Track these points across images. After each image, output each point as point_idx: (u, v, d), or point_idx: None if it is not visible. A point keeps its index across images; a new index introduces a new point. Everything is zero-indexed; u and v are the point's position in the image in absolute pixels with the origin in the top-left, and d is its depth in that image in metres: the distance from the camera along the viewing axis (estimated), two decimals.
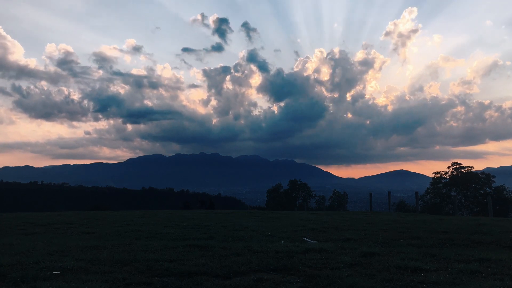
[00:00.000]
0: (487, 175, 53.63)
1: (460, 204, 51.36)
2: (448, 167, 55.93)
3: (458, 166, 55.38)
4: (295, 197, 70.82)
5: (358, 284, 5.44)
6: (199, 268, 6.43)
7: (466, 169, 54.65)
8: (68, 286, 5.27)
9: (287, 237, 11.28)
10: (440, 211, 47.51)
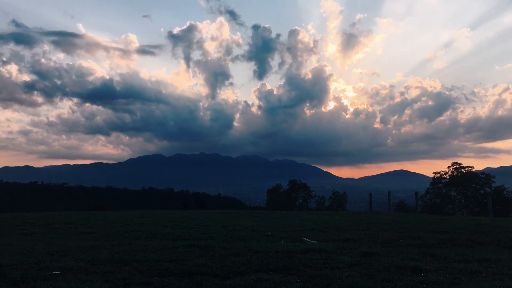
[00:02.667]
0: (487, 175, 53.61)
1: (460, 204, 51.37)
2: (448, 167, 55.93)
3: (458, 166, 55.38)
4: (295, 197, 70.79)
5: (358, 284, 5.43)
6: (199, 268, 6.43)
7: (466, 169, 54.65)
8: (68, 286, 5.27)
9: (287, 237, 11.28)
10: (440, 211, 47.49)
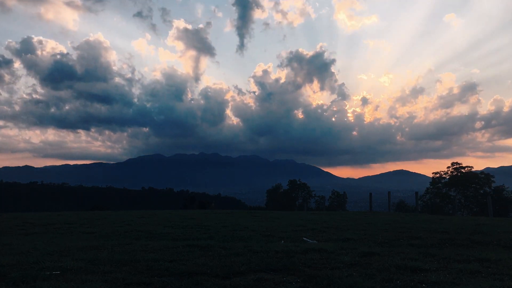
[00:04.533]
0: (486, 175, 53.61)
1: (460, 204, 51.38)
2: (448, 167, 55.92)
3: (457, 166, 55.37)
4: (295, 197, 70.80)
5: (358, 284, 5.43)
6: (199, 268, 6.43)
7: (466, 169, 54.64)
8: (68, 286, 5.27)
9: (287, 237, 11.28)
10: (440, 211, 47.50)
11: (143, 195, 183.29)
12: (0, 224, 15.53)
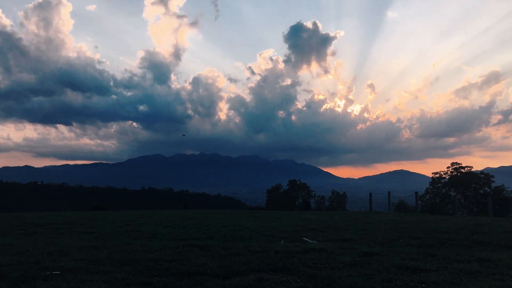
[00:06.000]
0: (486, 175, 53.60)
1: (460, 204, 51.38)
2: (448, 167, 55.89)
3: (457, 166, 55.36)
4: (294, 197, 70.78)
5: (358, 284, 5.44)
6: (199, 268, 6.43)
7: (466, 169, 54.63)
8: (68, 286, 5.27)
9: (287, 237, 11.28)
10: (440, 211, 47.50)
11: (143, 195, 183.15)
12: (0, 224, 15.53)
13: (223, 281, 5.71)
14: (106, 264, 6.71)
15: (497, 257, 7.31)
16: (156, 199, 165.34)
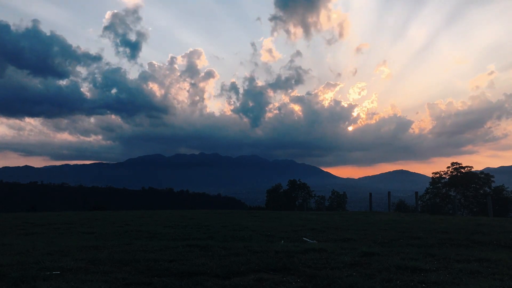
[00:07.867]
0: (486, 175, 53.61)
1: (460, 204, 51.40)
2: (448, 167, 55.91)
3: (457, 166, 55.39)
4: (294, 197, 70.82)
5: (358, 284, 5.43)
6: (199, 268, 6.43)
7: (466, 169, 54.66)
8: (68, 286, 5.27)
9: (287, 237, 11.28)
10: (439, 211, 47.50)
11: (143, 195, 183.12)
12: (0, 224, 15.54)
13: (223, 281, 5.71)
14: (106, 264, 6.71)
15: (497, 257, 7.31)
16: (156, 199, 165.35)
